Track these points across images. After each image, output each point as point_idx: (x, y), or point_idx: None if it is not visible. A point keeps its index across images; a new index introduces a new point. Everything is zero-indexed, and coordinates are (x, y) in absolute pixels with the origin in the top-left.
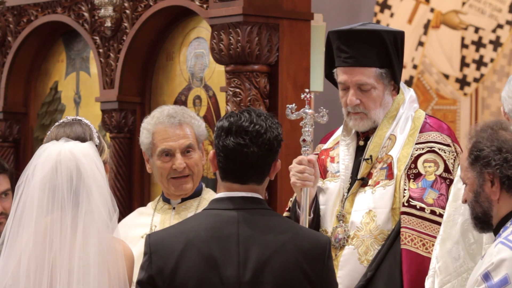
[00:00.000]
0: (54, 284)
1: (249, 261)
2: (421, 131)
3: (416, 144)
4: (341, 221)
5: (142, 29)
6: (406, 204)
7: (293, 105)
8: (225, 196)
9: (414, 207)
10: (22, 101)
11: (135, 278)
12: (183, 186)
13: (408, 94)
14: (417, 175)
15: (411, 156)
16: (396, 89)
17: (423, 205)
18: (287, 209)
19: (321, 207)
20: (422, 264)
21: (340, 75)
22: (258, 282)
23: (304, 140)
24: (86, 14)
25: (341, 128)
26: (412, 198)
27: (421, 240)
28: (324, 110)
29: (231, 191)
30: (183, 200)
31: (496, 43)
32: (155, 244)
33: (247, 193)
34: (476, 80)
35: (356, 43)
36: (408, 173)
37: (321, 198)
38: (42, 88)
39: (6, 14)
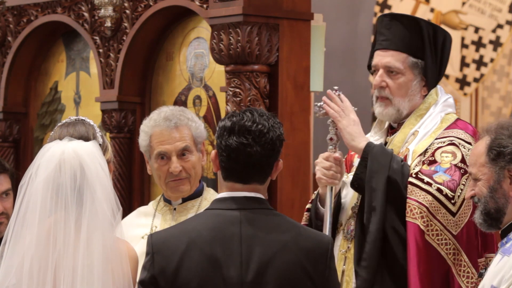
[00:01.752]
0: (58, 283)
1: (251, 261)
2: (446, 129)
3: (437, 138)
4: (355, 213)
5: (142, 29)
6: (414, 175)
7: (322, 102)
8: (228, 196)
9: (422, 180)
10: (22, 101)
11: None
12: (180, 188)
13: (444, 97)
14: (432, 162)
15: (431, 148)
16: (427, 87)
17: (430, 181)
18: (310, 201)
19: (342, 200)
20: (419, 235)
21: (374, 58)
22: (260, 282)
23: (331, 139)
24: (86, 14)
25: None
26: (421, 173)
27: (420, 212)
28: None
29: (234, 191)
30: (184, 200)
31: (496, 43)
32: (157, 244)
33: (249, 193)
34: (476, 80)
35: (394, 27)
36: (423, 159)
37: (344, 192)
38: (42, 88)
39: (6, 14)
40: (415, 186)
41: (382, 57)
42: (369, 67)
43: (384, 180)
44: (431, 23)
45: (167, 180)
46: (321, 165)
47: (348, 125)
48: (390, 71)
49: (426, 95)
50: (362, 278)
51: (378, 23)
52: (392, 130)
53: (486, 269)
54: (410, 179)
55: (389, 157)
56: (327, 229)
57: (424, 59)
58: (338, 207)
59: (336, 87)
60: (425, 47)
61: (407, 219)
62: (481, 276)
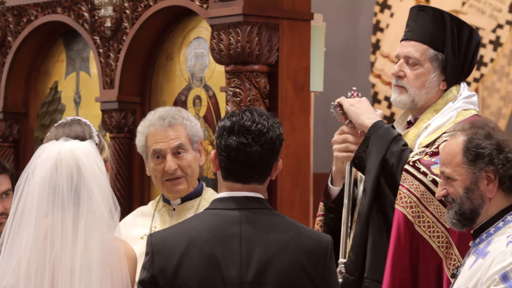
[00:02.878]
0: (56, 284)
1: (251, 261)
2: (457, 124)
3: (446, 132)
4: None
5: (142, 29)
6: (411, 163)
7: (336, 103)
8: (228, 196)
9: (418, 169)
10: (22, 101)
11: (137, 279)
12: (176, 188)
13: (466, 94)
14: (435, 153)
15: (438, 141)
16: (446, 82)
17: (427, 171)
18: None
19: (358, 196)
20: (404, 224)
21: (398, 48)
22: (260, 282)
23: (335, 108)
24: (86, 14)
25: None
26: (419, 162)
27: (410, 202)
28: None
29: (233, 191)
30: (183, 201)
31: (496, 43)
32: (157, 244)
33: (249, 193)
34: (476, 80)
35: (420, 19)
36: (427, 151)
37: (360, 187)
38: (42, 88)
39: (6, 14)
40: (410, 174)
41: (404, 48)
42: None
43: (378, 162)
44: (457, 18)
45: (163, 180)
46: (335, 141)
47: (354, 103)
48: (409, 61)
49: (445, 90)
50: (350, 259)
51: (408, 15)
52: (409, 125)
53: (457, 269)
54: (406, 167)
55: (391, 138)
56: (345, 206)
57: (445, 53)
58: (353, 203)
59: (354, 88)
60: (447, 40)
61: (395, 205)
62: (454, 276)
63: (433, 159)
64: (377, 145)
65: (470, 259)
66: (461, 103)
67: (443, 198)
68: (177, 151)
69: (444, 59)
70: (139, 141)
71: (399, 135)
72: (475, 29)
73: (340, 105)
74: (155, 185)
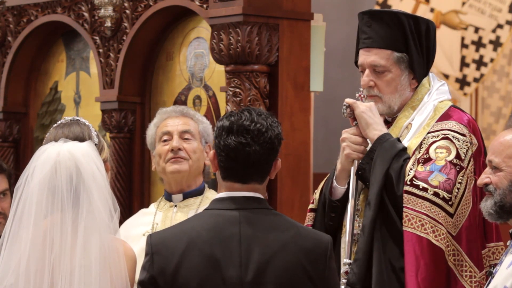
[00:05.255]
0: (55, 284)
1: (251, 261)
2: (438, 121)
3: (430, 132)
4: (356, 216)
5: (142, 29)
6: (409, 183)
7: (347, 104)
8: (227, 196)
9: (417, 186)
10: (22, 101)
11: (136, 278)
12: (176, 166)
13: (437, 85)
14: (427, 160)
15: (426, 143)
16: (416, 79)
17: (426, 186)
18: (311, 201)
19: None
20: (418, 244)
21: (359, 57)
22: (260, 282)
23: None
24: (86, 14)
25: None
26: (416, 178)
27: (420, 220)
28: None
29: (233, 191)
30: (185, 197)
31: (496, 43)
32: (156, 244)
33: (248, 193)
34: (476, 80)
35: (375, 24)
36: (418, 157)
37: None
38: (42, 88)
39: (6, 14)
40: (411, 194)
41: (367, 56)
42: (357, 63)
43: (381, 175)
44: (411, 15)
45: (167, 158)
46: (350, 140)
47: (365, 110)
48: (376, 69)
49: (416, 87)
50: (352, 272)
51: (359, 21)
52: (386, 124)
53: (492, 266)
54: (406, 188)
55: (394, 153)
56: (351, 206)
57: (409, 52)
58: (344, 210)
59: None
60: (408, 40)
61: (404, 228)
62: (490, 274)
63: (427, 168)
64: (381, 158)
65: (508, 258)
66: (435, 95)
67: (484, 187)
68: (184, 135)
69: (409, 58)
70: (149, 130)
71: (403, 149)
72: (431, 20)
73: (350, 107)
74: (159, 173)
